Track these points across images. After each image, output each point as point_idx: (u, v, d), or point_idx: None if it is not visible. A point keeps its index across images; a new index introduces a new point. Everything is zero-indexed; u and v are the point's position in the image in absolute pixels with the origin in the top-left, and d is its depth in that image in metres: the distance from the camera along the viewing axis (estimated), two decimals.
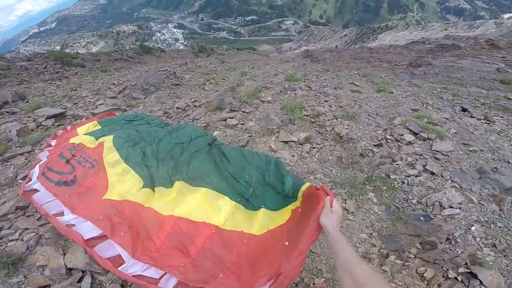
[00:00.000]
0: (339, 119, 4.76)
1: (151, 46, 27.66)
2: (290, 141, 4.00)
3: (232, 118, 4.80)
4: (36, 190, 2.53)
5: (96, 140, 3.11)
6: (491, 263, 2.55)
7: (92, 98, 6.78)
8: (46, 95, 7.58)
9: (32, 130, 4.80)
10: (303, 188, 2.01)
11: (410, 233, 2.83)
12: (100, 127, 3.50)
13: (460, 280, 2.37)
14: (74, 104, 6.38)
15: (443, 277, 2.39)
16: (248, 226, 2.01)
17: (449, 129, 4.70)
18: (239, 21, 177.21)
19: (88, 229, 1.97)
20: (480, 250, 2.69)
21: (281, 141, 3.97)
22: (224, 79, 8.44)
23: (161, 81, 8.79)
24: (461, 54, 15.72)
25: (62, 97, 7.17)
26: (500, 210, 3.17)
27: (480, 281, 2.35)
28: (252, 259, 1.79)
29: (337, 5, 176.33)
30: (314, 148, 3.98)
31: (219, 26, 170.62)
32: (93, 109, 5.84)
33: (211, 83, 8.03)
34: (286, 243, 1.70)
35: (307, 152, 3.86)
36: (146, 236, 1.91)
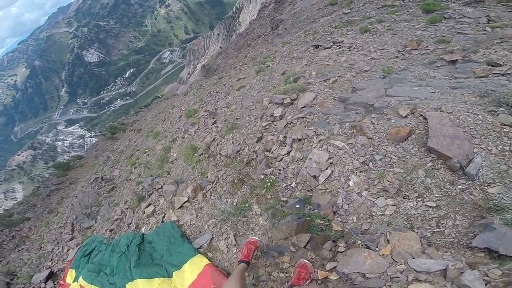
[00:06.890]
0: (224, 137, 4.63)
1: (65, 160, 25.67)
2: (184, 202, 3.99)
3: (149, 205, 4.69)
4: None
5: (77, 282, 4.20)
6: (386, 222, 2.11)
7: (58, 248, 6.92)
8: (28, 263, 7.59)
9: None
10: (200, 260, 3.04)
11: (284, 236, 2.58)
12: (74, 270, 4.55)
13: (337, 277, 2.02)
14: (51, 260, 6.55)
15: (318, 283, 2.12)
16: None
17: (310, 74, 5.05)
18: (121, 82, 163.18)
19: None
20: (374, 206, 2.25)
21: (178, 208, 4.00)
22: (145, 152, 8.41)
23: (96, 196, 8.50)
24: (293, 0, 18.24)
25: (39, 258, 7.26)
26: (369, 138, 2.70)
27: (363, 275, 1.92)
28: None
29: (189, 16, 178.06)
30: (208, 190, 3.90)
31: (106, 99, 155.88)
32: (66, 257, 6.06)
33: (135, 167, 7.98)
34: None
35: (202, 200, 3.82)
36: None
